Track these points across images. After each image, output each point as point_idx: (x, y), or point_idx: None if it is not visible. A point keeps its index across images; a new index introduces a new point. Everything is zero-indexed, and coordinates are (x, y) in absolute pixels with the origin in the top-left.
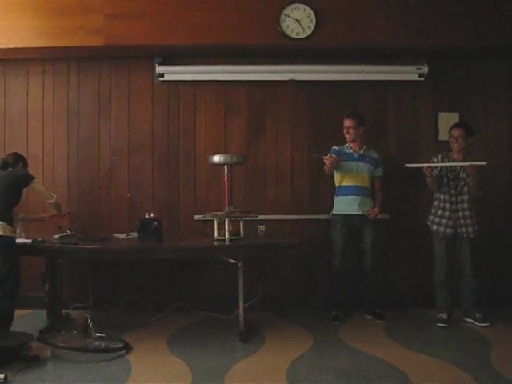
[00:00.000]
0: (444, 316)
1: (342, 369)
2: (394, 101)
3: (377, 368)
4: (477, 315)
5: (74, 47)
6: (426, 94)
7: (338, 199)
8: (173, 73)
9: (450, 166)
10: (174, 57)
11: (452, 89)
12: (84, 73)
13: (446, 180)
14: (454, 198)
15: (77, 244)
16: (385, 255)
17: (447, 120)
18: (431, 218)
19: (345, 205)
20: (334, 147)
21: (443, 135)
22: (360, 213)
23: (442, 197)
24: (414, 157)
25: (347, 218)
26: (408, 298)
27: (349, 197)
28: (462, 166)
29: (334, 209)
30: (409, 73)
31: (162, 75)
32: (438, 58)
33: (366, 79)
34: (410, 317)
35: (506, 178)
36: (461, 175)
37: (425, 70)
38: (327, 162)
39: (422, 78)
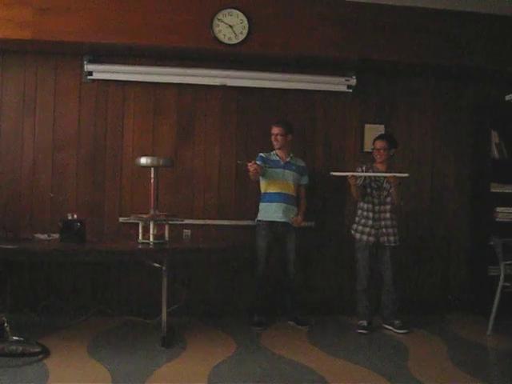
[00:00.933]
0: (364, 323)
1: (263, 374)
2: (322, 110)
3: (297, 373)
4: (395, 322)
5: None
6: (354, 106)
7: (263, 205)
8: (102, 71)
9: (374, 176)
10: (103, 55)
11: (378, 101)
12: (9, 67)
13: (369, 190)
14: (376, 208)
15: None
16: (308, 262)
17: (373, 131)
18: (355, 226)
19: (270, 211)
20: (261, 154)
21: (368, 146)
22: (284, 220)
23: (365, 206)
24: (339, 167)
25: (272, 224)
26: (330, 305)
27: (274, 204)
28: (385, 177)
29: (259, 215)
30: (337, 84)
31: (90, 73)
32: (366, 71)
33: (295, 88)
34: (332, 323)
35: (427, 189)
36: (384, 185)
37: (353, 81)
38: (251, 168)
39: (350, 90)
